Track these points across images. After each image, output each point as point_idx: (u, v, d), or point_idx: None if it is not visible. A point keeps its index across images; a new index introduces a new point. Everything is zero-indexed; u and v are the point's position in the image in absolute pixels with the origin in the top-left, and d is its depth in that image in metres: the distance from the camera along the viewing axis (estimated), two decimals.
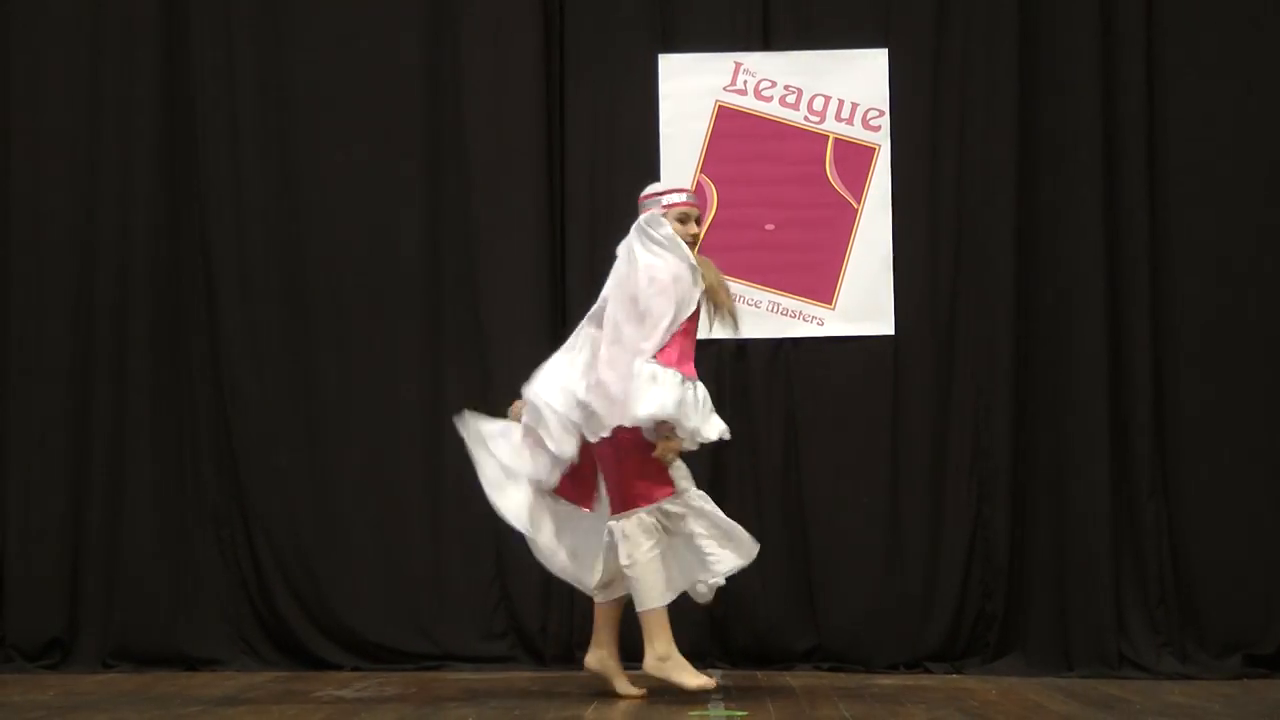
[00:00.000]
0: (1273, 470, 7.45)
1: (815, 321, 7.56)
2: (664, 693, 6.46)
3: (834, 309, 7.56)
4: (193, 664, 7.55)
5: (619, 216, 7.45)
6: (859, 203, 7.58)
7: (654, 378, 6.26)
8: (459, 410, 7.47)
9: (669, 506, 6.40)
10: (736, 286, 7.53)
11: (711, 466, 7.34)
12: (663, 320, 6.33)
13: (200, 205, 7.77)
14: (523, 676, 7.28)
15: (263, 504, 7.65)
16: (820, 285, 7.56)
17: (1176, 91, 7.55)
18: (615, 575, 6.55)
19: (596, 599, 6.66)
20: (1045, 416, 7.52)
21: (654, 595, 6.40)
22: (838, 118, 7.59)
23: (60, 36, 7.84)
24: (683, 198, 6.61)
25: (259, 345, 7.73)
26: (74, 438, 7.72)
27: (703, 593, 6.50)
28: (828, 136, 7.60)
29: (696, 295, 6.46)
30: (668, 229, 6.52)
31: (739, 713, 6.08)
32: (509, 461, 6.54)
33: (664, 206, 6.57)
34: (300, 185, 7.76)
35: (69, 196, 7.80)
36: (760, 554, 7.42)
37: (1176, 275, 7.52)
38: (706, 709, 6.18)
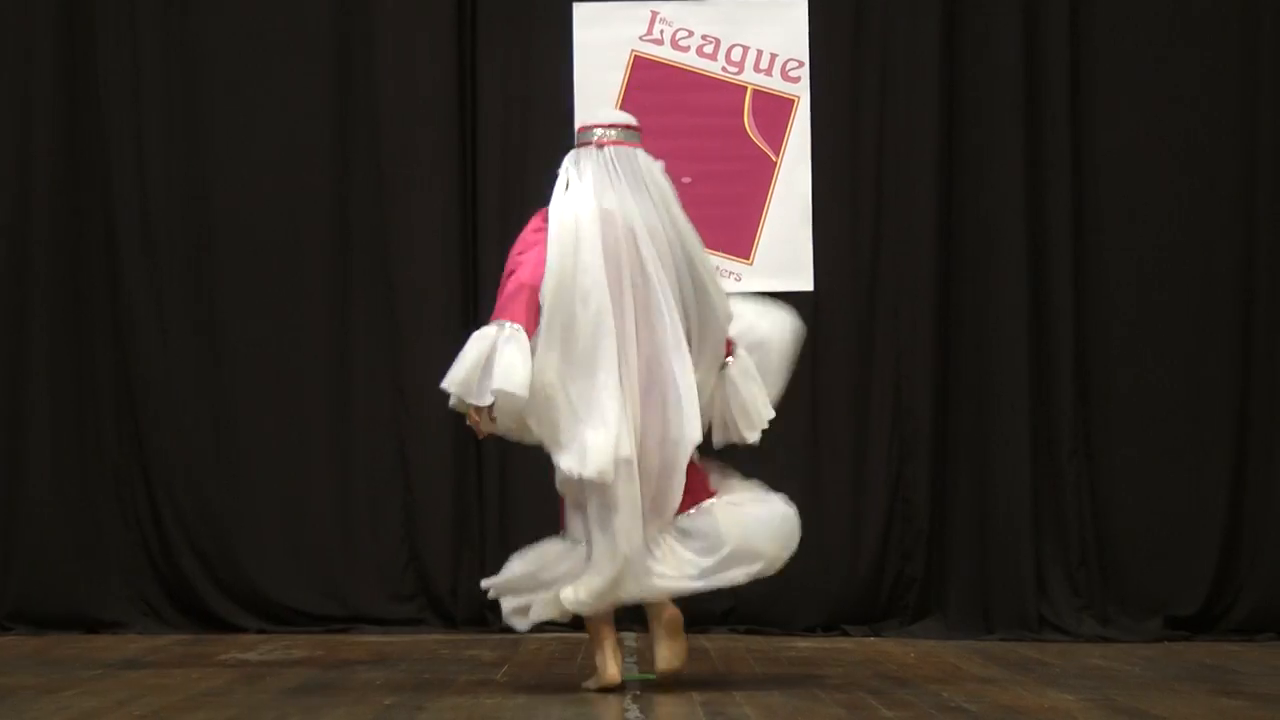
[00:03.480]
0: (1193, 433, 7.42)
1: (733, 277, 7.45)
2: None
3: (752, 264, 7.48)
4: (93, 626, 7.43)
5: (532, 168, 7.35)
6: (778, 156, 7.49)
7: None
8: (369, 367, 7.41)
9: None
10: None
11: None
12: None
13: (103, 163, 7.60)
14: (432, 639, 7.20)
15: (165, 464, 7.53)
16: (738, 240, 7.47)
17: (1100, 40, 7.46)
18: None
19: None
20: (967, 376, 7.46)
21: None
22: (756, 68, 7.49)
23: None
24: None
25: (162, 304, 7.59)
26: None
27: None
28: (746, 88, 7.50)
29: None
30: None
31: (649, 675, 5.98)
32: None
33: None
34: (206, 142, 7.61)
35: None
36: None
37: (1100, 233, 7.45)
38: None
